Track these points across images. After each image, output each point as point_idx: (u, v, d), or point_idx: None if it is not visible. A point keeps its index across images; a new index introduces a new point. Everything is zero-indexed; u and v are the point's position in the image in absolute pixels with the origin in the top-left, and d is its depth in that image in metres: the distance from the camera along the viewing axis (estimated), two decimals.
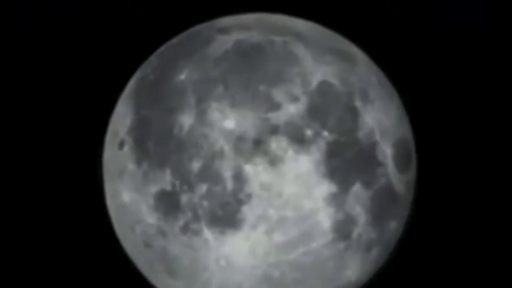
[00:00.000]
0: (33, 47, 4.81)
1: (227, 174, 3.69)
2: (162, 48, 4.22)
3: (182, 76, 3.86)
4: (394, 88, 4.21)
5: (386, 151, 3.90)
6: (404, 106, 4.21)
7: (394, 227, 4.09)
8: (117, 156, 4.01)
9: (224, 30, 4.00)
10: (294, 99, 3.75)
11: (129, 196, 3.93)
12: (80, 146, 4.70)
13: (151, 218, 3.85)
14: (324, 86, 3.82)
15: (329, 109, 3.78)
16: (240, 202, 3.69)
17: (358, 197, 3.80)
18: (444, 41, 4.82)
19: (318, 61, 3.86)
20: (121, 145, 3.99)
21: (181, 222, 3.78)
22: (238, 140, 3.69)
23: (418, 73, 4.80)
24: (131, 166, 3.89)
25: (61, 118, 4.79)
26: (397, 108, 4.13)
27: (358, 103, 3.86)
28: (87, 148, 4.55)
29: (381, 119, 3.92)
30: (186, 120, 3.76)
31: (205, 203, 3.72)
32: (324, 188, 3.73)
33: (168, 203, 3.79)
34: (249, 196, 3.69)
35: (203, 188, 3.71)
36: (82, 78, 4.80)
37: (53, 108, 4.80)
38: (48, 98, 4.81)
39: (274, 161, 3.69)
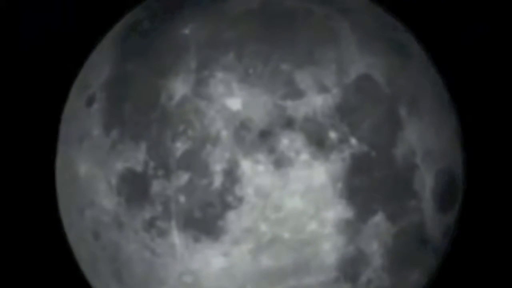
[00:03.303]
0: None
1: (218, 166, 3.41)
2: None
3: (186, 31, 3.60)
4: (452, 103, 3.96)
5: (426, 180, 3.61)
6: (459, 128, 3.96)
7: (416, 279, 3.79)
8: (82, 115, 3.74)
9: None
10: (323, 89, 3.47)
11: (86, 169, 3.68)
12: (43, 99, 4.55)
13: (108, 202, 3.60)
14: (364, 81, 3.54)
15: (365, 111, 3.50)
16: (226, 206, 3.42)
17: (378, 231, 3.52)
18: None
19: (363, 48, 3.59)
20: (89, 101, 3.72)
21: (146, 215, 3.50)
22: (240, 126, 3.42)
23: (487, 92, 4.57)
24: (97, 130, 3.64)
25: (26, 61, 4.66)
26: (451, 129, 3.85)
27: (402, 112, 3.57)
28: (50, 102, 4.37)
29: (427, 139, 3.64)
30: (179, 87, 3.49)
31: (182, 198, 3.44)
32: (338, 210, 3.45)
33: (134, 188, 3.52)
34: (240, 200, 3.41)
35: (183, 178, 3.44)
36: (54, 13, 4.67)
37: (20, 47, 4.67)
38: (15, 34, 4.68)
39: (280, 162, 3.40)
